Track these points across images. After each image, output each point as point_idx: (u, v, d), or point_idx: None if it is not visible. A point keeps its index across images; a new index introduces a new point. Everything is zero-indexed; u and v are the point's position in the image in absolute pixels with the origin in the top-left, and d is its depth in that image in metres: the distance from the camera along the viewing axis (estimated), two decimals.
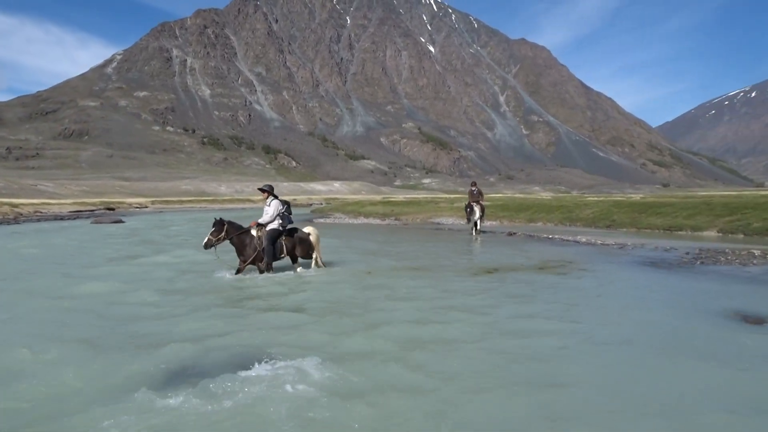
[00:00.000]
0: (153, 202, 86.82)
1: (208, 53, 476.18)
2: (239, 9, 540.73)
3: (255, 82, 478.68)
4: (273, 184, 12.73)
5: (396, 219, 37.66)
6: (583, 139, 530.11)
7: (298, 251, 11.90)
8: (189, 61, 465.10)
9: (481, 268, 12.66)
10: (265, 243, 11.22)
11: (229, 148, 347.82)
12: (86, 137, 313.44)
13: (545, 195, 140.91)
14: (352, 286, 10.24)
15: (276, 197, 11.70)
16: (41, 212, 51.31)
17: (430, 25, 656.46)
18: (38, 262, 14.57)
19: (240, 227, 11.38)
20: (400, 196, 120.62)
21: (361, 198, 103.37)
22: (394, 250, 17.47)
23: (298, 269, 11.88)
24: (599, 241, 18.86)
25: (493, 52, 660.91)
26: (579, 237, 20.44)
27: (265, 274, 11.34)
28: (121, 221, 36.24)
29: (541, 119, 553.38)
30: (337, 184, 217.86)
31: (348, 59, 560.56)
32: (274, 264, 11.76)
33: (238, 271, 11.29)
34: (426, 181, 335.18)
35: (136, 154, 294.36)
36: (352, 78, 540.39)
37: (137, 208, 72.78)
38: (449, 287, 10.19)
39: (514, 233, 23.54)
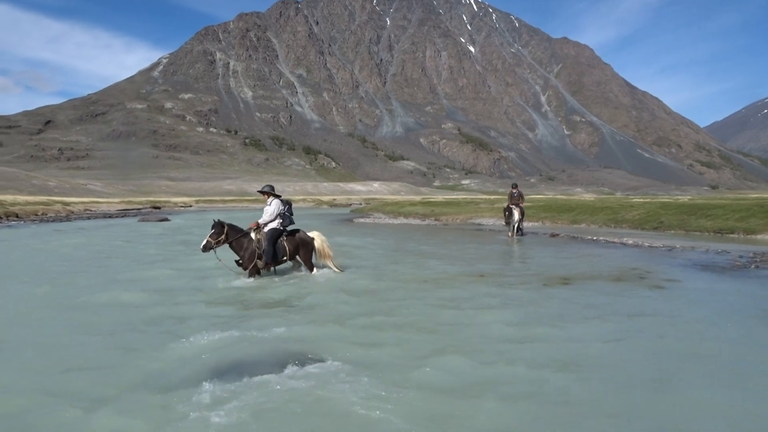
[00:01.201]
0: (197, 202, 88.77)
1: (250, 56, 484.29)
2: (281, 12, 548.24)
3: (296, 83, 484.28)
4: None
5: (436, 219, 37.49)
6: (627, 139, 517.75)
7: (300, 254, 11.24)
8: (232, 63, 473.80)
9: (550, 277, 11.34)
10: (264, 244, 10.63)
11: (271, 149, 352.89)
12: (133, 138, 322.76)
13: (588, 196, 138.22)
14: (419, 299, 9.04)
15: (277, 197, 11.25)
16: (91, 210, 52.98)
17: (470, 25, 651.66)
18: (95, 257, 15.03)
19: (240, 230, 10.82)
20: (440, 197, 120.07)
21: (400, 198, 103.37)
22: (442, 251, 17.00)
23: (315, 272, 11.28)
24: (647, 244, 18.34)
25: (535, 52, 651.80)
26: (625, 239, 19.93)
27: (298, 281, 10.77)
28: (167, 219, 37.15)
29: (583, 119, 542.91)
30: (376, 185, 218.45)
31: (387, 60, 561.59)
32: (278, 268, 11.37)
33: (251, 275, 10.71)
34: (465, 182, 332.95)
35: (181, 155, 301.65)
36: (392, 79, 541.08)
37: (182, 207, 74.49)
38: (528, 299, 9.10)
39: (557, 234, 23.11)
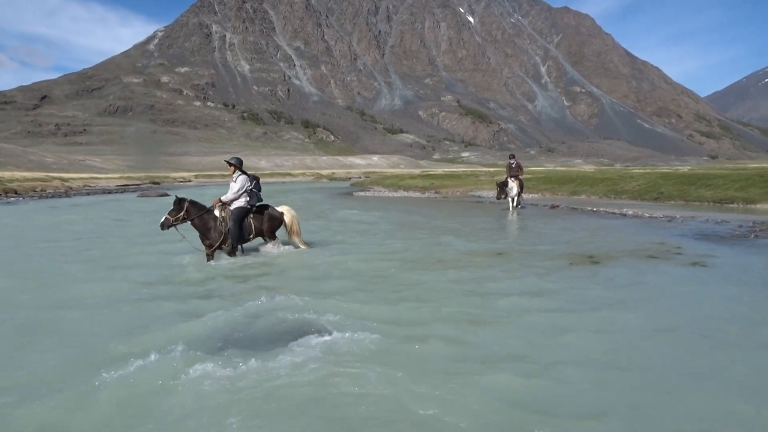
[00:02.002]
0: (196, 176, 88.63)
1: (246, 28, 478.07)
2: None
3: (293, 56, 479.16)
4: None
5: (436, 192, 37.49)
6: (627, 110, 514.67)
7: (265, 229, 10.59)
8: (228, 36, 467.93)
9: (574, 255, 10.35)
10: (230, 223, 9.94)
11: (269, 123, 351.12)
12: (130, 113, 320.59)
13: (587, 168, 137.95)
14: (444, 284, 7.98)
15: (244, 172, 10.49)
16: (90, 186, 52.91)
17: None
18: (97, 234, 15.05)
19: (203, 207, 10.08)
20: (439, 170, 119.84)
21: (399, 172, 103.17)
22: (449, 225, 16.69)
23: (276, 247, 10.70)
24: (647, 214, 18.39)
25: (535, 22, 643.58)
26: (625, 210, 19.97)
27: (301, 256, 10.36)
28: (166, 195, 37.14)
29: (583, 90, 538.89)
30: (375, 158, 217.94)
31: (386, 32, 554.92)
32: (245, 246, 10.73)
33: (208, 257, 9.92)
34: (465, 154, 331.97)
35: (179, 130, 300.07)
36: (390, 51, 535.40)
37: (181, 182, 74.40)
38: (561, 281, 8.05)
39: (557, 206, 23.14)
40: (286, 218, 10.83)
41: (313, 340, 5.14)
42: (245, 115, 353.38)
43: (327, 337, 5.19)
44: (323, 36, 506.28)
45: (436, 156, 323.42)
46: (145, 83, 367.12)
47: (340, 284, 7.93)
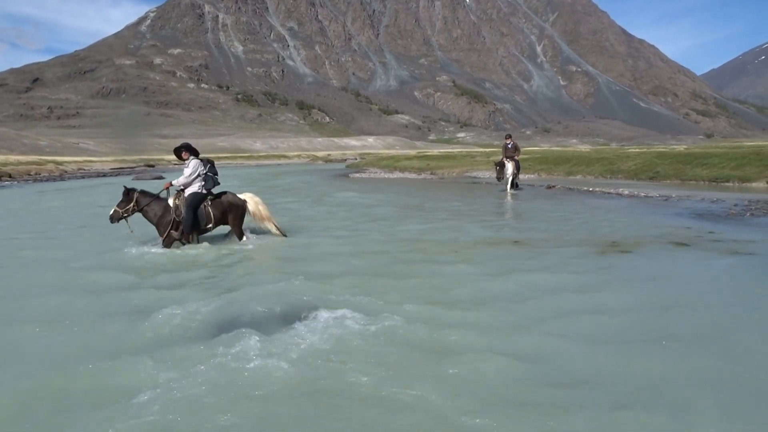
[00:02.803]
0: None
1: (239, 8, 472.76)
2: None
3: (287, 37, 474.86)
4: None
5: (432, 173, 37.47)
6: (623, 89, 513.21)
7: (229, 219, 9.72)
8: (221, 17, 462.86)
9: (597, 243, 9.50)
10: (183, 210, 9.18)
11: (263, 105, 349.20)
12: (123, 95, 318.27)
13: (583, 148, 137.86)
14: (464, 276, 7.23)
15: (196, 156, 9.70)
16: (84, 169, 52.68)
17: None
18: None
19: (153, 195, 9.43)
20: (435, 151, 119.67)
21: (395, 153, 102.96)
22: (451, 207, 16.16)
23: (245, 239, 9.83)
24: (642, 194, 18.45)
25: (530, 0, 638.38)
26: (621, 189, 20.03)
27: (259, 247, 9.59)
28: (161, 177, 37.02)
29: (579, 69, 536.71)
30: (371, 139, 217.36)
31: (380, 11, 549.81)
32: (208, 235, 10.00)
33: (166, 246, 9.23)
34: (461, 135, 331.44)
35: (173, 112, 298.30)
36: (385, 30, 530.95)
37: (176, 164, 74.04)
38: (596, 273, 7.32)
39: (553, 186, 23.18)
40: (250, 205, 9.93)
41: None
42: (239, 96, 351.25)
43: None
44: (317, 16, 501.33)
45: (431, 137, 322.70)
46: (138, 65, 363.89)
47: (361, 278, 7.13)
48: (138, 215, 9.42)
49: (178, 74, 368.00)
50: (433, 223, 12.74)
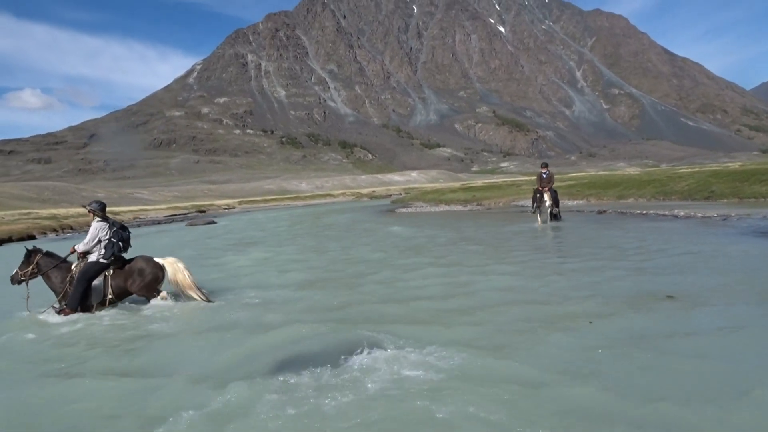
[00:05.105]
0: (240, 203, 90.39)
1: (281, 55, 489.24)
2: (308, 9, 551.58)
3: (327, 79, 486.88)
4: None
5: (478, 204, 37.22)
6: (669, 108, 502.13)
7: (135, 288, 8.30)
8: (263, 64, 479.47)
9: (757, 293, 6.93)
10: (75, 280, 8.01)
11: (307, 146, 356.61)
12: (174, 145, 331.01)
13: (632, 170, 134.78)
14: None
15: (103, 217, 8.43)
16: (140, 218, 54.53)
17: (499, 5, 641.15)
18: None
19: (58, 258, 8.43)
20: (479, 182, 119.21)
21: (439, 186, 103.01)
22: (521, 241, 14.72)
23: (154, 301, 8.37)
24: (699, 214, 17.85)
25: (567, 26, 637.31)
26: (676, 211, 19.42)
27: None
28: (213, 222, 38.00)
29: (622, 92, 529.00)
30: (414, 174, 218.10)
31: (417, 48, 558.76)
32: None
33: (62, 312, 7.97)
34: (504, 164, 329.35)
35: (220, 158, 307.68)
36: (423, 67, 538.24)
37: (226, 209, 75.95)
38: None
39: (604, 211, 22.69)
40: (168, 272, 8.46)
41: None
42: (284, 139, 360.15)
43: None
44: (355, 57, 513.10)
45: (474, 168, 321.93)
46: (187, 115, 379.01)
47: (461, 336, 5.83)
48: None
49: (224, 122, 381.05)
50: (518, 264, 10.53)
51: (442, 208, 38.38)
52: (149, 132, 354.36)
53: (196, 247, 19.34)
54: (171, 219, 53.73)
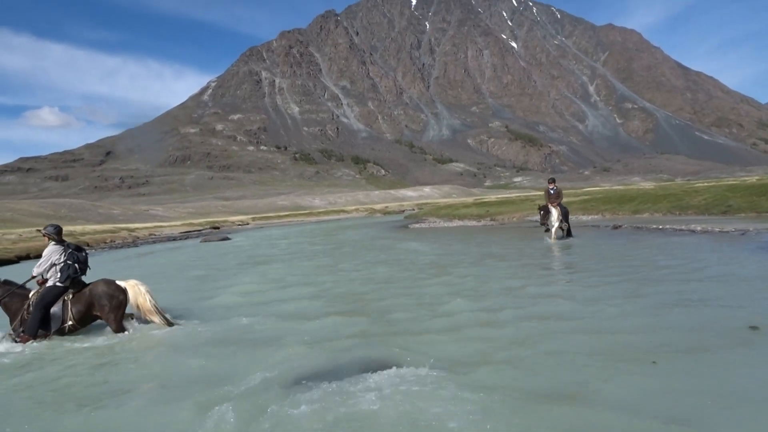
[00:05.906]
0: (253, 219, 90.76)
1: (294, 72, 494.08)
2: (321, 26, 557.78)
3: (340, 95, 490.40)
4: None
5: (492, 219, 37.09)
6: (684, 122, 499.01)
7: (98, 311, 7.95)
8: (277, 81, 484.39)
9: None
10: (32, 306, 7.73)
11: (320, 162, 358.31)
12: (188, 162, 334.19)
13: (647, 185, 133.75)
14: None
15: (59, 240, 8.07)
16: (155, 234, 54.92)
17: (511, 21, 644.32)
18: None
19: (14, 285, 8.07)
20: (493, 197, 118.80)
21: (452, 201, 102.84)
22: (546, 259, 14.23)
23: (127, 333, 7.88)
24: (717, 229, 17.65)
25: (579, 41, 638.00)
26: (693, 226, 19.22)
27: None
28: (227, 238, 38.18)
29: (635, 106, 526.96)
30: (427, 189, 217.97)
31: (430, 64, 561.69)
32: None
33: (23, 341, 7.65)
34: (517, 179, 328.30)
35: (234, 175, 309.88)
36: (435, 82, 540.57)
37: (239, 225, 76.31)
38: None
39: (620, 226, 22.52)
40: (130, 295, 8.11)
41: None
42: (297, 155, 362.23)
43: None
44: (368, 73, 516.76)
45: (487, 183, 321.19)
46: (201, 132, 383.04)
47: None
48: None
49: (238, 138, 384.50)
50: (550, 285, 9.79)
51: (456, 223, 38.28)
52: (164, 149, 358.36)
53: (205, 267, 19.42)
54: (186, 235, 54.10)
